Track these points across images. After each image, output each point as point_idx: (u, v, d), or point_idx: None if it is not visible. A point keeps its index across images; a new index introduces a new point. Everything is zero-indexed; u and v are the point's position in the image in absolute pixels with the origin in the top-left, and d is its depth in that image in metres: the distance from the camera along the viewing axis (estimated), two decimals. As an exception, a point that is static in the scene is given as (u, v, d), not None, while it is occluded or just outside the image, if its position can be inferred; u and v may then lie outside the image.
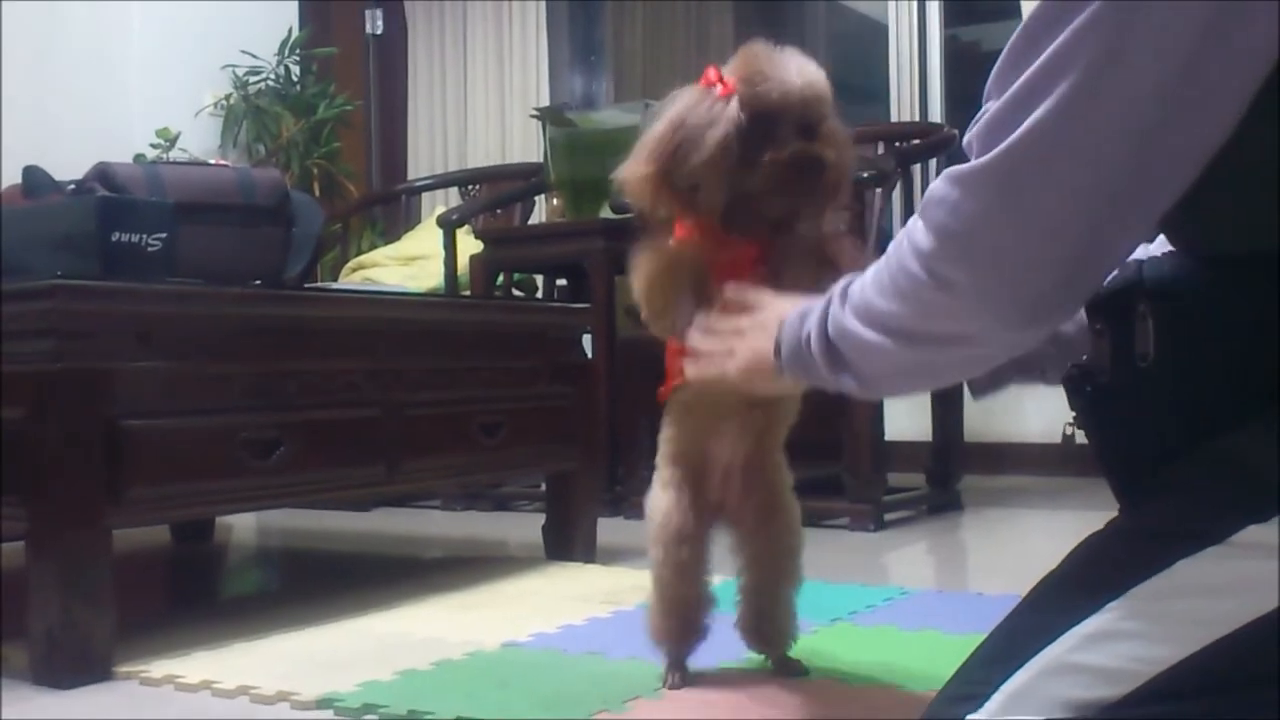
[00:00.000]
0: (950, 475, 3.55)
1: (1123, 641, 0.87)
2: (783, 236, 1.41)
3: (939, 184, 0.91)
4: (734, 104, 1.33)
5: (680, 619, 1.55)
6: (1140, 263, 0.95)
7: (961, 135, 2.98)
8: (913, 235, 0.93)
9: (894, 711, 1.41)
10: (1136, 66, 0.80)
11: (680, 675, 1.58)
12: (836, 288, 1.07)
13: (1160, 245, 0.98)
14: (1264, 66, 0.80)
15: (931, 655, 1.61)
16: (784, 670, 1.60)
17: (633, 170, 1.38)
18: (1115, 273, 0.95)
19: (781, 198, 1.36)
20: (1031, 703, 0.89)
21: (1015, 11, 3.96)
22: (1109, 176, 0.83)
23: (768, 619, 1.59)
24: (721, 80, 1.35)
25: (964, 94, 4.51)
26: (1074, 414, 1.08)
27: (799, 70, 1.35)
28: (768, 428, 1.53)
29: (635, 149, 1.39)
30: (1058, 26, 0.83)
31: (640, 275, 1.43)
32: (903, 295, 0.95)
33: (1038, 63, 0.84)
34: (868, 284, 1.01)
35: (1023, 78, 0.85)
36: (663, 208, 1.40)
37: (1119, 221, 0.86)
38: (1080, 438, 1.13)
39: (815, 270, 1.35)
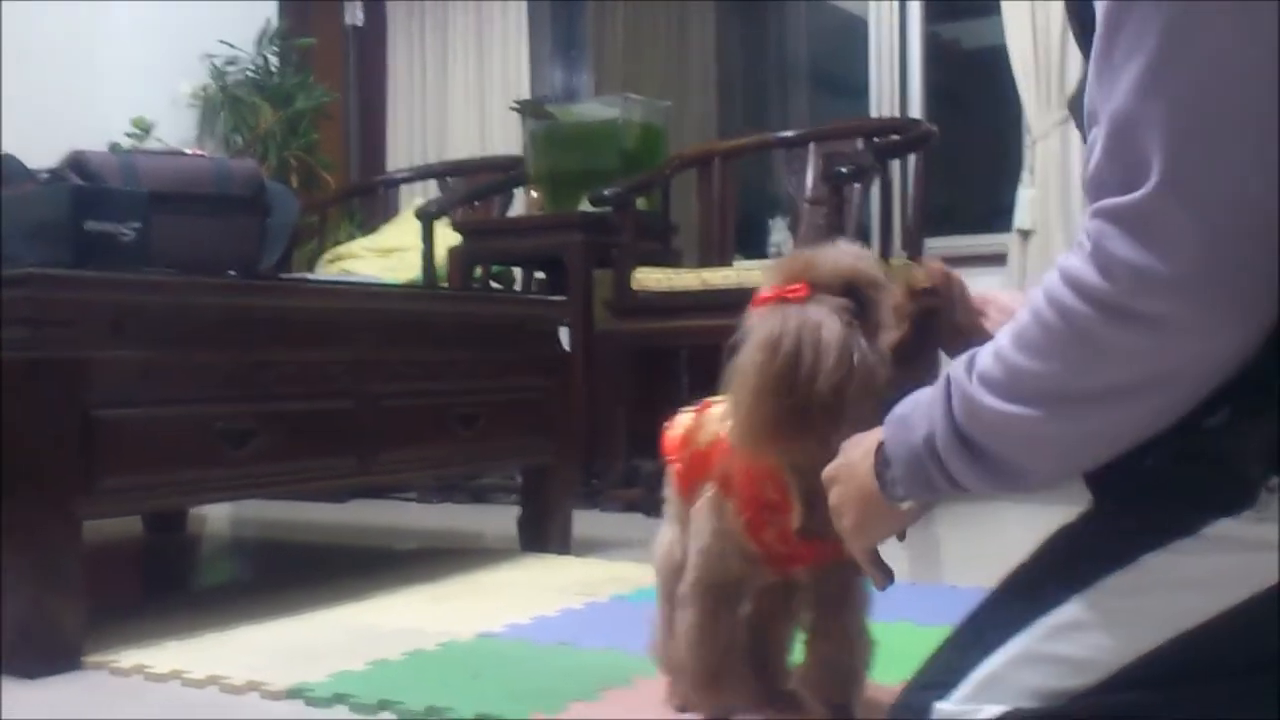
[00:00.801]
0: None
1: (1090, 632, 0.88)
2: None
3: (1099, 224, 0.82)
4: (824, 299, 1.14)
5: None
6: None
7: (938, 130, 2.93)
8: (1073, 281, 0.83)
9: (866, 699, 1.42)
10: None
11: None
12: (953, 371, 0.93)
13: None
14: None
15: (905, 646, 1.61)
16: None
17: (752, 421, 1.14)
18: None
19: (925, 341, 1.16)
20: (999, 691, 0.90)
21: (995, 9, 3.97)
22: (1257, 113, 0.78)
23: (839, 663, 1.33)
24: (785, 288, 1.16)
25: (943, 90, 4.52)
26: None
27: (841, 247, 1.20)
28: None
29: (737, 402, 1.16)
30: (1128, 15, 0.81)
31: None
32: (1066, 349, 0.84)
33: (1135, 63, 0.80)
34: (1005, 350, 0.88)
35: (1126, 81, 0.81)
36: (809, 445, 1.14)
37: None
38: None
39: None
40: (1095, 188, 0.84)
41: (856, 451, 1.03)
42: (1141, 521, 0.87)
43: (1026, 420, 0.86)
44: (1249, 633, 0.84)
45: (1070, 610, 0.89)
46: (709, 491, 1.29)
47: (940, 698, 0.93)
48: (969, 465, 0.91)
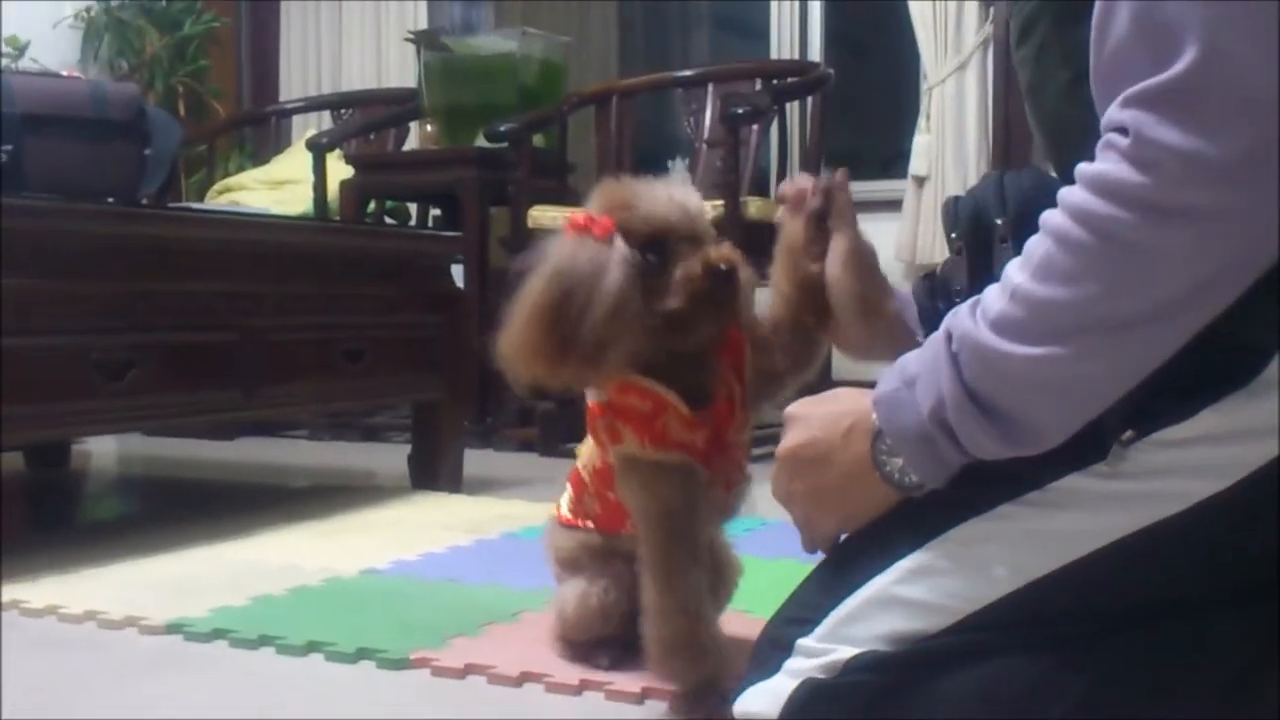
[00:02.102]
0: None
1: (941, 578, 0.89)
2: (708, 371, 1.22)
3: (1131, 112, 0.74)
4: (619, 240, 1.13)
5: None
6: (1001, 177, 0.94)
7: (837, 74, 2.94)
8: (1100, 187, 0.76)
9: (741, 632, 1.44)
10: None
11: (613, 654, 1.37)
12: (952, 328, 0.85)
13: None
14: None
15: (785, 582, 1.63)
16: None
17: (517, 342, 1.14)
18: (975, 187, 0.94)
19: (705, 317, 1.16)
20: (856, 630, 0.92)
21: (896, -46, 3.98)
22: None
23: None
24: (592, 221, 1.15)
25: (844, 35, 4.54)
26: (923, 326, 1.08)
27: (670, 191, 1.18)
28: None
29: (510, 320, 1.16)
30: None
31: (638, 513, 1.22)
32: (1101, 264, 0.76)
33: None
34: (1024, 289, 0.80)
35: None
36: (564, 378, 1.15)
37: None
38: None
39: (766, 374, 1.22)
40: (1114, 73, 0.77)
41: (823, 426, 0.96)
42: (998, 473, 0.87)
43: (1051, 361, 0.79)
44: (1093, 585, 0.85)
45: (924, 556, 0.90)
46: (619, 452, 1.25)
47: (803, 634, 0.94)
48: (983, 429, 0.83)
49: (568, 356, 1.11)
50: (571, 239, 1.15)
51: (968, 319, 0.84)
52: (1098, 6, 0.78)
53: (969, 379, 0.83)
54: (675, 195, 1.17)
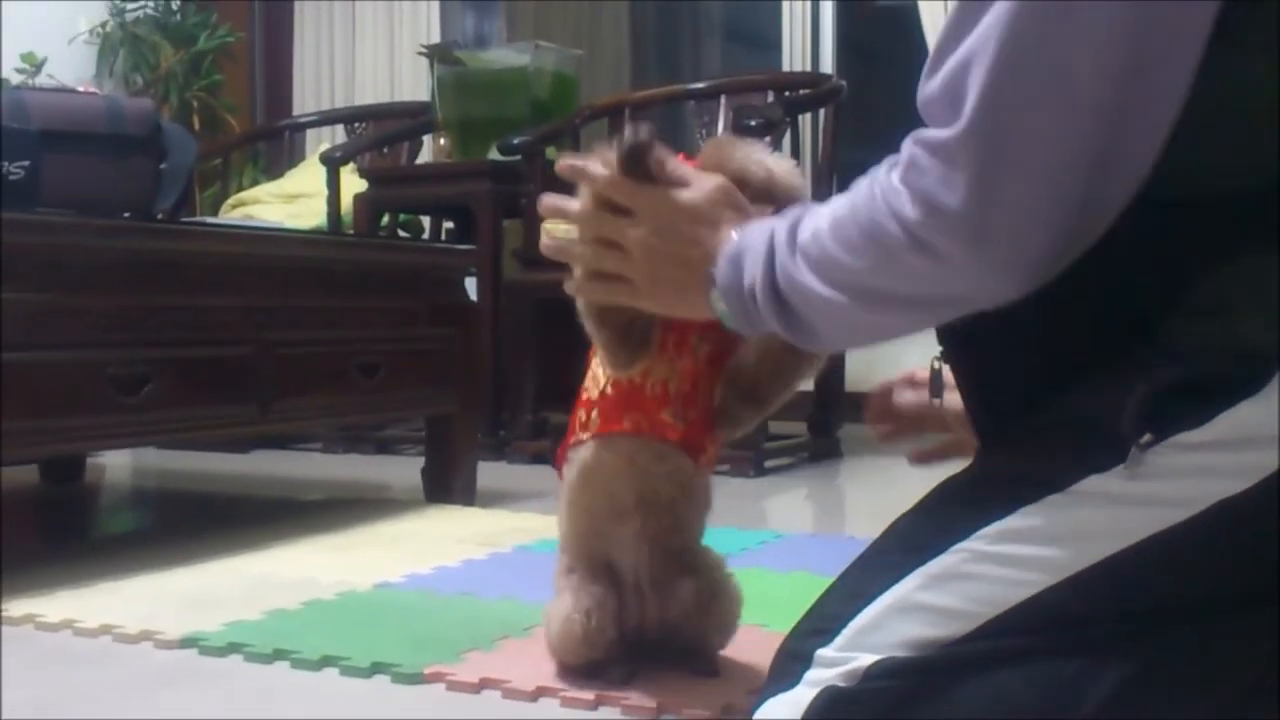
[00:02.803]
0: (831, 424, 3.61)
1: (964, 583, 0.89)
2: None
3: (916, 150, 0.87)
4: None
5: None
6: None
7: (848, 83, 2.97)
8: (889, 196, 0.89)
9: (757, 647, 1.43)
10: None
11: (626, 670, 1.35)
12: (780, 228, 0.99)
13: None
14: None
15: (800, 595, 1.63)
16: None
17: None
18: None
19: None
20: (876, 638, 0.92)
21: (907, -35, 3.99)
22: (1088, 113, 0.82)
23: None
24: (689, 160, 1.21)
25: (855, 46, 4.54)
26: (941, 348, 1.09)
27: (769, 158, 1.25)
28: (675, 527, 1.35)
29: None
30: None
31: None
32: (873, 254, 0.90)
33: (982, 18, 0.83)
34: (824, 234, 0.94)
35: (970, 32, 0.84)
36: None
37: (1109, 156, 0.84)
38: (948, 375, 1.13)
39: None
40: (925, 113, 0.88)
41: (680, 231, 1.07)
42: (1018, 476, 0.89)
43: (833, 302, 0.93)
44: (1115, 587, 0.86)
45: (945, 561, 0.91)
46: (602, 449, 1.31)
47: (822, 644, 0.94)
48: (779, 319, 0.98)
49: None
50: None
51: (785, 234, 0.97)
52: (929, 60, 0.89)
53: (778, 280, 0.97)
54: (769, 159, 1.24)
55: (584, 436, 1.33)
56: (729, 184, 1.13)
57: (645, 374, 1.29)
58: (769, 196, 1.20)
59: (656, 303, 1.13)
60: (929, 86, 0.88)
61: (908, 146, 0.88)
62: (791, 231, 0.97)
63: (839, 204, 0.95)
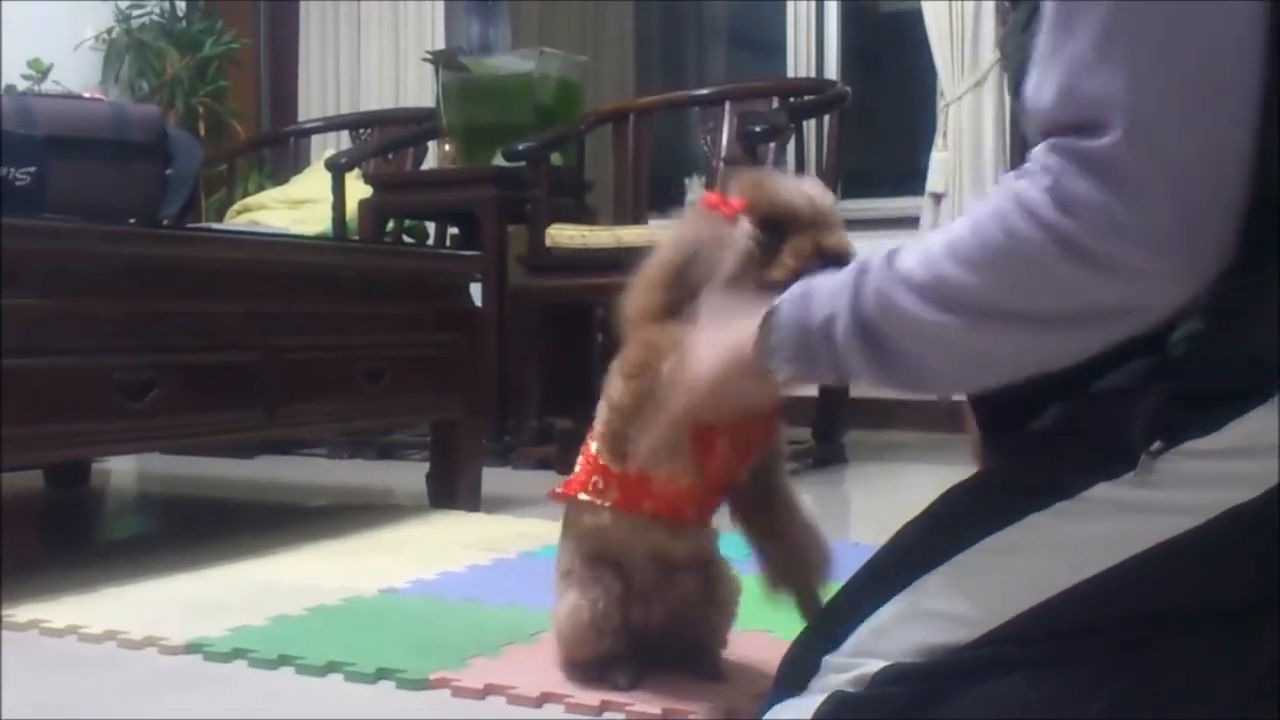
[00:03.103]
0: (836, 430, 3.60)
1: (972, 590, 0.89)
2: None
3: (1058, 161, 0.81)
4: (744, 221, 1.21)
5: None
6: None
7: (853, 90, 2.95)
8: (1030, 206, 0.82)
9: (761, 652, 1.43)
10: None
11: (630, 672, 1.36)
12: (870, 260, 0.92)
13: None
14: None
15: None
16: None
17: (638, 301, 1.24)
18: None
19: None
20: (884, 644, 0.92)
21: (912, -28, 3.99)
22: (1227, 80, 0.79)
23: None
24: (724, 201, 1.24)
25: (859, 53, 4.55)
26: None
27: (803, 185, 1.24)
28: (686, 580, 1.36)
29: (635, 281, 1.26)
30: None
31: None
32: (1007, 269, 0.83)
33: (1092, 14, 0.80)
34: (936, 257, 0.86)
35: (1080, 29, 0.81)
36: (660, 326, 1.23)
37: (1248, 121, 0.80)
38: None
39: None
40: (1043, 120, 0.83)
41: (733, 315, 1.03)
42: (1027, 482, 0.89)
43: (945, 327, 0.85)
44: (1123, 594, 0.86)
45: (954, 568, 0.91)
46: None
47: (830, 650, 0.94)
48: (865, 355, 0.90)
49: (680, 313, 1.19)
50: (702, 214, 1.25)
51: (884, 267, 0.89)
52: (1031, 73, 0.84)
53: (867, 310, 0.89)
54: (804, 186, 1.23)
55: (599, 503, 1.32)
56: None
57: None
58: (814, 223, 1.20)
59: (707, 379, 1.05)
60: (1043, 95, 0.83)
61: (1045, 157, 0.82)
62: (889, 260, 0.90)
63: (953, 228, 0.88)
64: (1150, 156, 0.78)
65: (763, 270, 1.18)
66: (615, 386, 1.27)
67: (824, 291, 0.93)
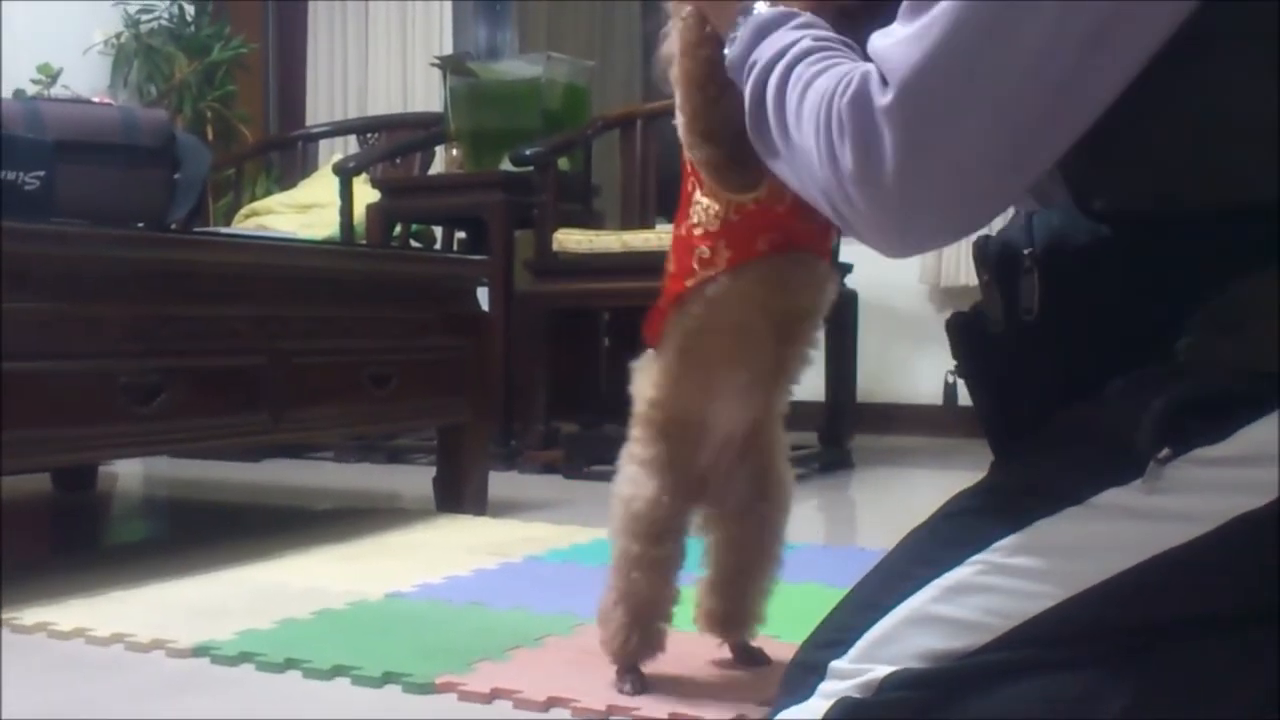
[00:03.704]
0: (842, 435, 3.60)
1: (980, 595, 0.89)
2: None
3: (862, 90, 0.87)
4: None
5: (646, 629, 1.33)
6: (1030, 215, 0.96)
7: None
8: (836, 126, 0.89)
9: (770, 657, 1.44)
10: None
11: (637, 680, 1.35)
12: (801, 38, 0.99)
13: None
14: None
15: (811, 607, 1.63)
16: (746, 659, 1.44)
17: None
18: (1006, 222, 0.96)
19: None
20: (891, 650, 0.91)
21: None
22: (1013, 113, 0.82)
23: (738, 606, 1.40)
24: None
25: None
26: (956, 362, 1.09)
27: None
28: (783, 375, 1.30)
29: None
30: None
31: None
32: (805, 138, 0.93)
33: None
34: (790, 91, 0.96)
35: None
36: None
37: (1023, 161, 0.86)
38: (962, 390, 1.13)
39: None
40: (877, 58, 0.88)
41: None
42: (1035, 488, 0.89)
43: (771, 130, 0.98)
44: (1132, 600, 0.85)
45: (961, 573, 0.90)
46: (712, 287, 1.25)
47: (836, 656, 0.94)
48: (752, 117, 1.01)
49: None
50: None
51: (795, 57, 0.97)
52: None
53: (769, 89, 0.98)
54: None
55: (711, 273, 1.24)
56: None
57: (770, 192, 1.20)
58: None
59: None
60: (876, 40, 0.88)
61: (867, 82, 0.87)
62: (801, 55, 0.97)
63: (813, 79, 0.94)
64: (903, 130, 0.84)
65: None
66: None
67: (771, 39, 1.01)
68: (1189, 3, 0.81)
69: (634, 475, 1.31)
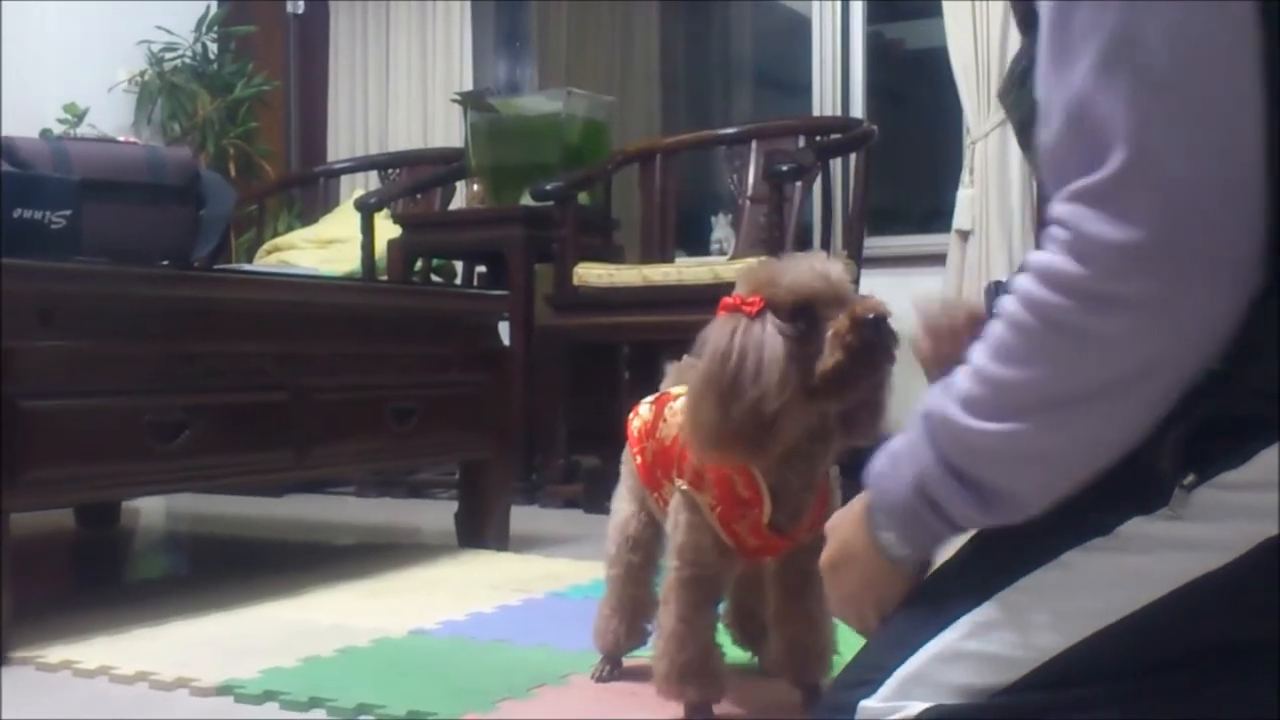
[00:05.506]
0: (863, 466, 3.58)
1: (1011, 630, 0.89)
2: (809, 501, 1.33)
3: (1068, 208, 0.81)
4: (770, 315, 1.19)
5: (627, 620, 1.52)
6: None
7: (879, 127, 2.94)
8: (1044, 277, 0.82)
9: (793, 697, 1.43)
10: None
11: (611, 668, 1.57)
12: (930, 400, 0.91)
13: None
14: None
15: (843, 643, 1.62)
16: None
17: (695, 426, 1.22)
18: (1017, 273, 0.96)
19: (862, 368, 1.18)
20: (923, 688, 0.91)
21: (938, 11, 4.00)
22: (1230, 98, 0.79)
23: (805, 645, 1.41)
24: (742, 300, 1.21)
25: (885, 90, 4.55)
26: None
27: (811, 263, 1.22)
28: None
29: (689, 401, 1.24)
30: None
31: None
32: (1048, 347, 0.82)
33: (1093, 42, 0.80)
34: (984, 367, 0.86)
35: (1084, 60, 0.81)
36: (737, 456, 1.24)
37: (1253, 136, 0.79)
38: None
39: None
40: (1054, 172, 0.83)
41: (845, 528, 1.01)
42: (1061, 520, 0.88)
43: (1015, 436, 0.84)
44: (1164, 630, 0.85)
45: (992, 608, 0.90)
46: (681, 486, 1.35)
47: (866, 695, 0.93)
48: (962, 499, 0.88)
49: (747, 430, 1.18)
50: (725, 320, 1.22)
51: (941, 397, 0.89)
52: (1040, 100, 0.84)
53: (945, 453, 0.88)
54: (815, 265, 1.22)
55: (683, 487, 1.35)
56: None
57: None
58: (837, 298, 1.19)
59: (869, 602, 1.02)
60: (1048, 146, 0.83)
61: (1059, 210, 0.82)
62: (945, 393, 0.89)
63: (990, 330, 0.87)
64: (1155, 182, 0.77)
65: (811, 362, 1.17)
66: None
67: (901, 456, 0.93)
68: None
69: (619, 498, 1.55)
